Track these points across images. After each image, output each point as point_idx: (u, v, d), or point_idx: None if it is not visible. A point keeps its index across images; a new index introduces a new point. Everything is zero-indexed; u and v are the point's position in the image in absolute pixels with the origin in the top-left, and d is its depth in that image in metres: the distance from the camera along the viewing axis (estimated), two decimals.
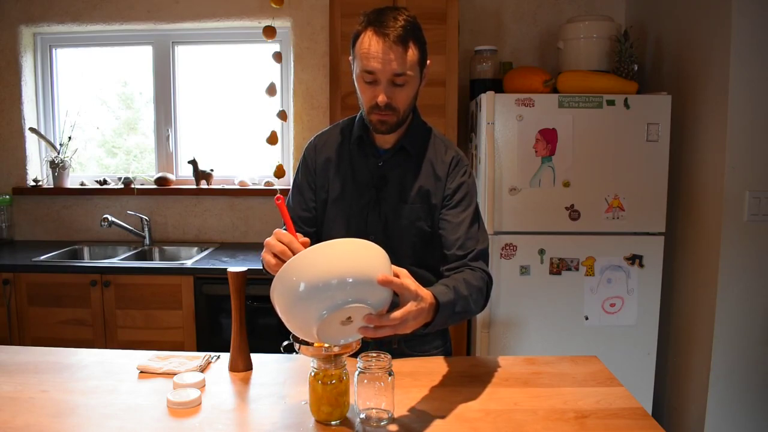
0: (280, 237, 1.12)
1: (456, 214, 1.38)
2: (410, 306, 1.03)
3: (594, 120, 2.29)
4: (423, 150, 1.42)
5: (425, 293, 1.09)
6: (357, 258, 0.97)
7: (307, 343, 1.11)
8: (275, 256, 1.11)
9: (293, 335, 1.11)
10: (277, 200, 1.16)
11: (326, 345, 1.13)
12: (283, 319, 1.01)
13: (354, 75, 1.33)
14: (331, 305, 0.95)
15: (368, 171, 1.42)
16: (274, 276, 1.01)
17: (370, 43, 1.25)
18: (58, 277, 2.50)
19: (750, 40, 2.07)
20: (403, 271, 1.06)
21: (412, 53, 1.27)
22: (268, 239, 1.14)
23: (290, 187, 1.52)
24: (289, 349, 1.12)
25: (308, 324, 0.97)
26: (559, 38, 2.63)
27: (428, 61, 1.35)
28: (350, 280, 0.94)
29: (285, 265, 0.96)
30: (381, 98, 1.28)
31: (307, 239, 1.16)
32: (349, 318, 0.98)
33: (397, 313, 1.01)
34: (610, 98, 2.28)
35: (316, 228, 1.48)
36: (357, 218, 1.41)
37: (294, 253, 1.08)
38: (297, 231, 1.46)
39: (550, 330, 2.38)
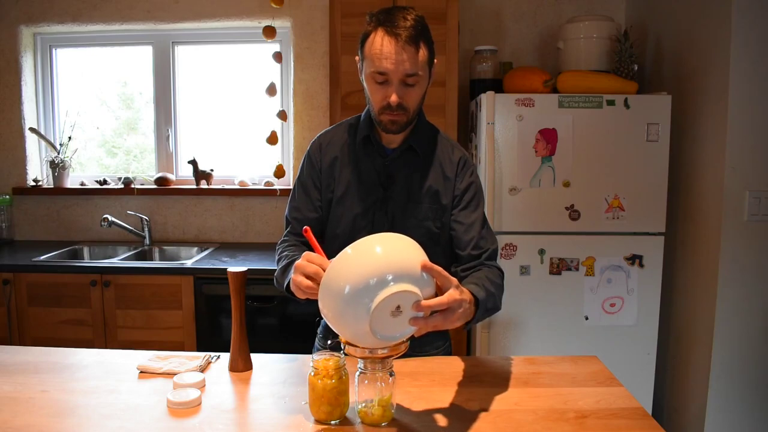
0: (310, 258, 1.12)
1: (467, 215, 1.39)
2: (453, 293, 1.03)
3: (594, 120, 2.29)
4: (430, 149, 1.42)
5: (465, 290, 1.10)
6: (396, 251, 1.01)
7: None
8: (308, 277, 1.10)
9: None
10: (305, 232, 1.17)
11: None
12: (335, 326, 1.03)
13: (362, 75, 1.33)
14: (378, 293, 0.96)
15: (375, 170, 1.41)
16: (296, 297, 1.04)
17: (383, 43, 1.25)
18: (58, 277, 2.50)
19: (750, 40, 2.07)
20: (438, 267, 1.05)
21: (423, 53, 1.27)
22: (297, 261, 1.13)
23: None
24: (337, 348, 1.11)
25: (361, 321, 0.98)
26: (559, 38, 2.63)
27: (435, 60, 1.35)
28: (394, 270, 0.97)
29: (327, 271, 0.99)
30: (393, 98, 1.28)
31: None
32: (399, 308, 0.99)
33: (443, 298, 1.01)
34: (610, 98, 2.28)
35: (323, 228, 1.48)
36: (363, 217, 1.41)
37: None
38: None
39: (550, 330, 2.38)
